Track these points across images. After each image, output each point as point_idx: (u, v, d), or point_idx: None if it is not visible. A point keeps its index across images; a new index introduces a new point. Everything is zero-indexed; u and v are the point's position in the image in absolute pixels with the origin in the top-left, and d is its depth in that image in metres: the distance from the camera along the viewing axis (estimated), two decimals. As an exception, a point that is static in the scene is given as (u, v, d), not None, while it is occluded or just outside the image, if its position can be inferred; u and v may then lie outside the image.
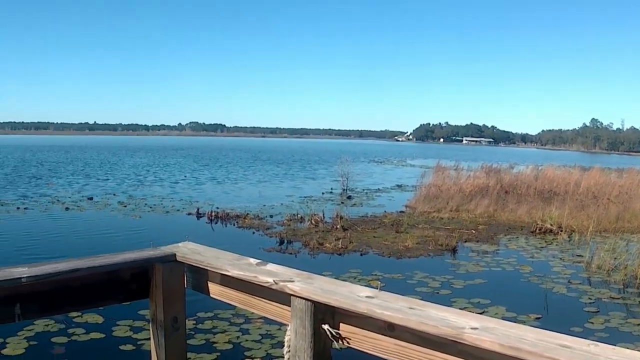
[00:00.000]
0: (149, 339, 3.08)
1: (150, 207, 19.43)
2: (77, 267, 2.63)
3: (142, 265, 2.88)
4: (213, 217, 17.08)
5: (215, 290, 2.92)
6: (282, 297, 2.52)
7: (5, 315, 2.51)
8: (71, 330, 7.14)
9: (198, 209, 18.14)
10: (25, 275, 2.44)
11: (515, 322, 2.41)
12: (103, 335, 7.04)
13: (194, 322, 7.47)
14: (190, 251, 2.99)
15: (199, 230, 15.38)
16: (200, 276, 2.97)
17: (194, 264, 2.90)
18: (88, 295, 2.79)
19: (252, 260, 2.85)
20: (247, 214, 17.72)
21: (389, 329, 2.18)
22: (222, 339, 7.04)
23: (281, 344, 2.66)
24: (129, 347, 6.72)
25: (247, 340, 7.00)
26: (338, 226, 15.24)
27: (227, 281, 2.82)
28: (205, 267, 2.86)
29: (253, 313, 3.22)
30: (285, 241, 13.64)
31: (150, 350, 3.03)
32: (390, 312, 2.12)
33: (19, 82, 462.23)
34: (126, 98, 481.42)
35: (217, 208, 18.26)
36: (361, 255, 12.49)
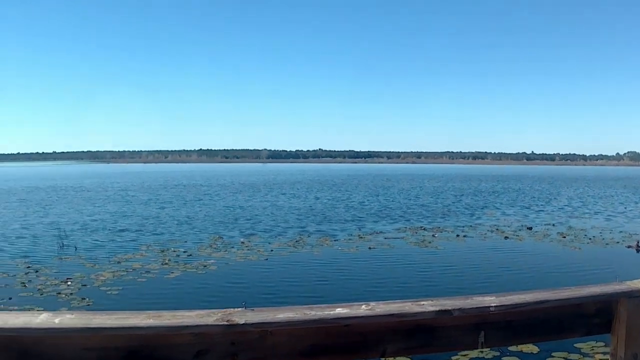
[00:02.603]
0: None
1: (590, 239, 19.19)
2: (545, 299, 2.72)
3: (607, 300, 2.87)
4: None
5: None
6: None
7: (469, 342, 2.72)
8: (505, 358, 7.55)
9: (638, 242, 17.43)
10: (494, 305, 2.60)
11: None
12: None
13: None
14: None
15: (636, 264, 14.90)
16: None
17: None
18: (551, 327, 2.85)
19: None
20: None
21: None
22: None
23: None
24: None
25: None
26: None
27: None
28: None
29: None
30: None
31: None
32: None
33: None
34: (565, 127, 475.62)
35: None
36: None
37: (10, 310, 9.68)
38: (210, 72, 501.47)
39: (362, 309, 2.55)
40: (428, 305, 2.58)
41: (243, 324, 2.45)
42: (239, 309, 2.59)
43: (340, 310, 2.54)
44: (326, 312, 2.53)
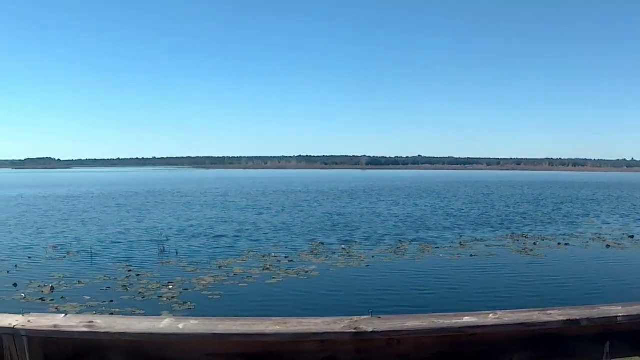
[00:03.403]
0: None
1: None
2: None
3: None
4: None
5: None
6: None
7: (594, 352, 2.64)
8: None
9: None
10: (621, 315, 2.57)
11: None
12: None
13: None
14: None
15: None
16: None
17: None
18: None
19: None
20: None
21: None
22: None
23: None
24: None
25: None
26: None
27: None
28: None
29: None
30: None
31: None
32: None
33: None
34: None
35: None
36: None
37: (112, 314, 9.62)
38: (313, 80, 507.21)
39: (490, 318, 2.58)
40: (556, 315, 2.60)
41: (371, 332, 2.47)
42: (366, 316, 2.59)
43: (468, 319, 2.56)
44: (454, 321, 2.54)
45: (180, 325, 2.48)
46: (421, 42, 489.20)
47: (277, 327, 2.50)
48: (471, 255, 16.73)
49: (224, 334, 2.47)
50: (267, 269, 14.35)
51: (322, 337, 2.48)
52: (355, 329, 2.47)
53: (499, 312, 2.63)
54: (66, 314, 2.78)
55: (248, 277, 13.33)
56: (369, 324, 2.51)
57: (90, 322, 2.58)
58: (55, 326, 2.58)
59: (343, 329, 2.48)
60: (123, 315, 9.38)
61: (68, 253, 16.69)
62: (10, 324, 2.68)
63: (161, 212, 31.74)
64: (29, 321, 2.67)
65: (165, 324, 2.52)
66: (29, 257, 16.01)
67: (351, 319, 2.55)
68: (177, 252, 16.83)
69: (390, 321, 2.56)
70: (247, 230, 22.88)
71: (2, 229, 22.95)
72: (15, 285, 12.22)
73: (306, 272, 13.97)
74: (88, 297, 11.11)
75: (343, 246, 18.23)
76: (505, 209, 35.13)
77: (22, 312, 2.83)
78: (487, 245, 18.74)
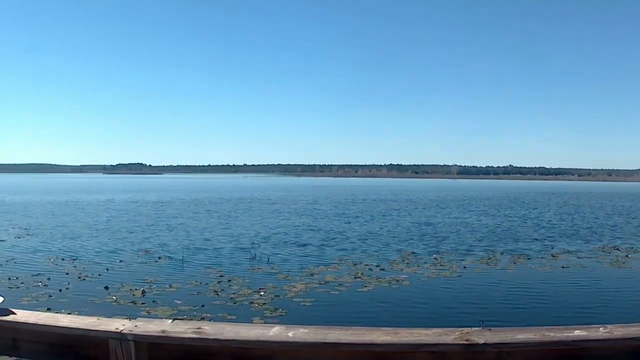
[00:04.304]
0: None
1: None
2: None
3: None
4: None
5: None
6: None
7: None
8: None
9: None
10: None
11: None
12: None
13: None
14: None
15: None
16: None
17: None
18: None
19: None
20: None
21: None
22: None
23: None
24: None
25: None
26: None
27: None
28: None
29: None
30: None
31: None
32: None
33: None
34: None
35: None
36: None
37: (203, 318, 9.62)
38: (409, 88, 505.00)
39: (600, 332, 2.53)
40: None
41: (482, 344, 2.46)
42: (476, 328, 2.61)
43: (579, 333, 2.52)
44: (565, 334, 2.51)
45: (290, 334, 2.50)
46: (525, 49, 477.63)
47: (388, 337, 2.51)
48: (563, 267, 16.41)
49: (335, 342, 2.46)
50: (359, 277, 14.17)
51: (433, 348, 2.49)
52: (466, 340, 2.48)
53: (609, 326, 2.60)
54: (173, 320, 2.84)
55: (339, 284, 13.17)
56: (480, 335, 2.51)
57: (198, 328, 2.62)
58: (163, 331, 2.62)
59: (454, 340, 2.49)
60: (214, 321, 9.35)
61: (159, 258, 17.00)
62: (117, 329, 2.74)
63: (250, 219, 32.13)
64: (136, 326, 2.74)
65: (274, 332, 2.54)
66: (120, 261, 16.40)
67: (462, 331, 2.56)
68: (268, 259, 16.84)
69: (501, 333, 2.57)
70: (337, 238, 22.80)
71: (92, 233, 23.78)
72: (106, 288, 12.44)
73: (397, 280, 13.77)
74: (179, 302, 11.16)
75: (435, 256, 17.97)
76: (596, 220, 34.60)
77: (128, 317, 2.82)
78: (578, 257, 18.36)
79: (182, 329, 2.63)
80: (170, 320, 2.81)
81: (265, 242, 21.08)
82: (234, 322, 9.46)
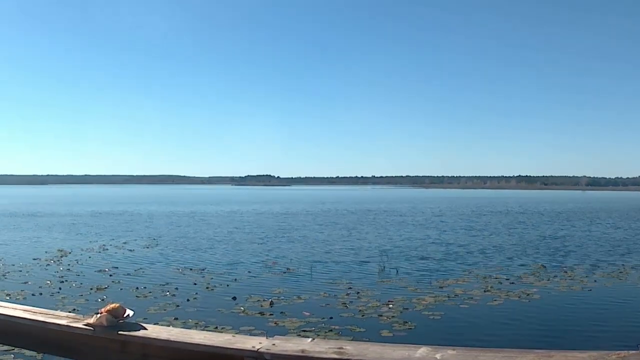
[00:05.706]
0: None
1: None
2: None
3: None
4: None
5: None
6: None
7: None
8: None
9: None
10: None
11: None
12: None
13: None
14: None
15: None
16: None
17: None
18: None
19: None
20: None
21: None
22: None
23: None
24: None
25: None
26: None
27: None
28: None
29: None
30: None
31: None
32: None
33: None
34: None
35: None
36: None
37: (331, 330, 9.68)
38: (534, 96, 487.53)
39: None
40: None
41: None
42: (634, 351, 2.44)
43: None
44: None
45: (438, 355, 2.43)
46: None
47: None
48: None
49: None
50: (488, 290, 13.90)
51: None
52: None
53: None
54: (313, 339, 2.81)
55: (469, 298, 12.97)
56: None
57: (339, 347, 2.57)
58: (302, 351, 2.58)
59: None
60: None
61: (288, 269, 17.33)
62: (253, 347, 2.71)
63: (376, 231, 32.18)
64: (273, 344, 2.69)
65: (421, 353, 2.48)
66: (248, 272, 16.86)
67: (618, 354, 2.42)
68: (397, 271, 16.81)
69: None
70: (464, 251, 22.42)
71: (220, 244, 24.59)
72: (234, 298, 12.80)
73: (527, 294, 13.41)
74: (308, 313, 11.32)
75: (565, 269, 17.39)
76: None
77: (265, 335, 2.81)
78: None
79: (322, 348, 2.59)
80: (309, 339, 2.78)
81: (392, 254, 21.04)
82: (363, 335, 9.54)
